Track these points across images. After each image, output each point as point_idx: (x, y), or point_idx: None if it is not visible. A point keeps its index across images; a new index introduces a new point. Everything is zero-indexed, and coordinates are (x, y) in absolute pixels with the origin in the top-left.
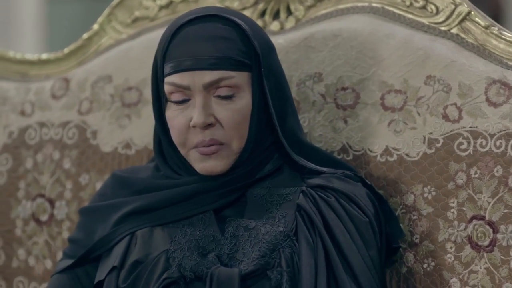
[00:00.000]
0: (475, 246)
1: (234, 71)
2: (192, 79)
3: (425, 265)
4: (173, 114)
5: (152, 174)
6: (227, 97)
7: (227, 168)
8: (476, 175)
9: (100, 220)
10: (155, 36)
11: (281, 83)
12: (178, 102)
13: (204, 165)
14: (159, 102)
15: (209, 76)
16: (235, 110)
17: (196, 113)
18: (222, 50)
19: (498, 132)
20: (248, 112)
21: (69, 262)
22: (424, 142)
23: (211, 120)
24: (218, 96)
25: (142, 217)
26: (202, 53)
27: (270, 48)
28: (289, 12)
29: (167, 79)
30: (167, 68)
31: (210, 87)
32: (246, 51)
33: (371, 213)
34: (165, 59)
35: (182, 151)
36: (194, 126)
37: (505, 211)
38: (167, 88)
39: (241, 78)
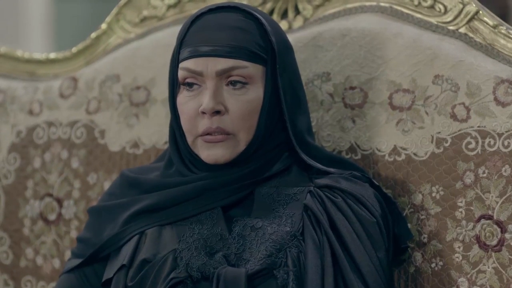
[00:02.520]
0: (483, 246)
1: (248, 61)
2: (205, 65)
3: (433, 265)
4: (184, 100)
5: (161, 173)
6: (238, 87)
7: (232, 158)
8: (484, 175)
9: (108, 219)
10: (163, 36)
11: (295, 84)
12: (190, 88)
13: (209, 153)
14: (175, 89)
15: (223, 63)
16: (245, 101)
17: (206, 98)
18: (238, 40)
19: (506, 131)
20: (259, 105)
21: (77, 261)
22: (432, 142)
23: (220, 108)
24: (230, 85)
25: (151, 216)
26: (219, 41)
27: (287, 48)
28: (297, 11)
29: (181, 64)
30: (183, 54)
31: (223, 74)
32: (263, 45)
33: (378, 214)
34: (182, 45)
35: (189, 139)
36: (203, 112)
37: None
38: (181, 73)
39: (254, 70)
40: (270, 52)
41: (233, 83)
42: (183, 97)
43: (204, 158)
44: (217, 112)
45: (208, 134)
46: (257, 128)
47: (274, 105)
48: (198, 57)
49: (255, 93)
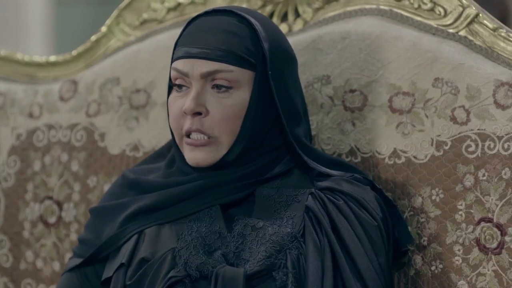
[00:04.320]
0: (483, 249)
1: (235, 66)
2: (192, 67)
3: (433, 268)
4: (172, 100)
5: (162, 172)
6: (222, 90)
7: (215, 162)
8: (484, 178)
9: (108, 219)
10: (163, 38)
11: (292, 93)
12: (179, 89)
13: (191, 156)
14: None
15: (208, 66)
16: (227, 105)
17: (188, 99)
18: (227, 43)
19: (506, 134)
20: (243, 109)
21: (78, 261)
22: (432, 145)
23: (200, 109)
24: (214, 88)
25: (150, 215)
26: (208, 44)
27: (286, 56)
28: (297, 14)
29: (173, 64)
30: (176, 54)
31: (208, 77)
32: (253, 51)
33: (379, 217)
34: (176, 45)
35: (177, 139)
36: (185, 112)
37: None
38: (172, 73)
39: (240, 74)
40: (261, 57)
41: (217, 87)
42: (172, 97)
43: (188, 161)
44: (199, 114)
45: (189, 135)
46: (241, 131)
47: (265, 111)
48: (187, 58)
49: (240, 97)
